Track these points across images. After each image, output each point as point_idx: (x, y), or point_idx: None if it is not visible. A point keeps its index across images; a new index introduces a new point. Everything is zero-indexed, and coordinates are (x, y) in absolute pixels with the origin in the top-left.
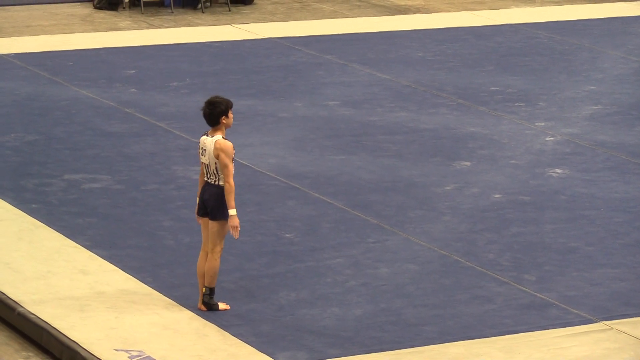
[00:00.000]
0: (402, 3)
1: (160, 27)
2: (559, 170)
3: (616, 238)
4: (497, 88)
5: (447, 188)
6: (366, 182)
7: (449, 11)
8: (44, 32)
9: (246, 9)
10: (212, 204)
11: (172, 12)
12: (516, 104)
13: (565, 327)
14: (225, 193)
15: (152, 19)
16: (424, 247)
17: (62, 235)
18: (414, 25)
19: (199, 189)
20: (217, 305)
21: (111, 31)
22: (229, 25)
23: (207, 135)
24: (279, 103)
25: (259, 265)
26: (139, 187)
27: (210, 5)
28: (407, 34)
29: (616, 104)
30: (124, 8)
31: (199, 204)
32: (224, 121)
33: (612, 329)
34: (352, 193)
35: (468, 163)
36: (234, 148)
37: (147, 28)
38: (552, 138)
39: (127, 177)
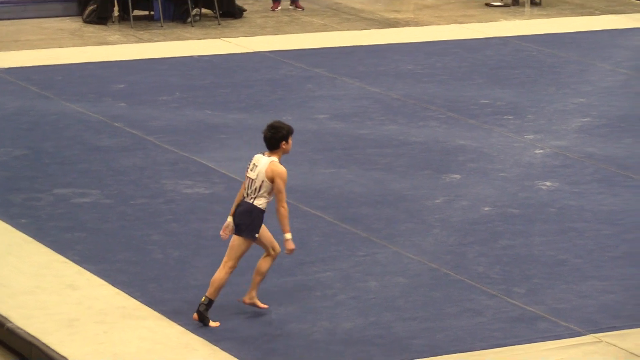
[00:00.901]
0: (392, 16)
1: (149, 41)
2: (548, 183)
3: (605, 250)
4: (487, 101)
5: (437, 201)
6: (356, 195)
7: (439, 24)
8: (33, 47)
9: (235, 22)
10: (243, 220)
11: (162, 26)
12: (505, 117)
13: (555, 339)
14: (280, 217)
15: (141, 33)
16: (413, 260)
17: (51, 250)
18: (403, 38)
19: (234, 206)
20: (208, 320)
21: (100, 45)
22: (219, 39)
23: (263, 155)
24: (268, 117)
25: (248, 279)
26: (128, 201)
27: (200, 19)
28: (396, 47)
29: (605, 116)
30: (113, 22)
31: (231, 222)
32: (283, 146)
33: (601, 341)
34: (342, 206)
35: (458, 176)
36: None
37: (137, 42)
38: (541, 151)
39: (116, 192)
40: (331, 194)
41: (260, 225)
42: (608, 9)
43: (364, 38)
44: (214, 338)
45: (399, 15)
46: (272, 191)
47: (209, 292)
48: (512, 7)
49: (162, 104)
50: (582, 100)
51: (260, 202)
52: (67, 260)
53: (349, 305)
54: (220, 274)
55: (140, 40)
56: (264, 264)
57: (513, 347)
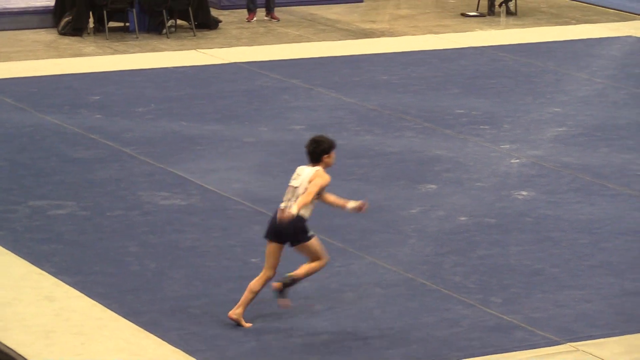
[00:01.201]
0: (367, 27)
1: (125, 53)
2: (524, 193)
3: (582, 260)
4: (462, 111)
5: (413, 211)
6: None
7: (414, 34)
8: (9, 59)
9: (211, 33)
10: (290, 231)
11: (137, 38)
12: (481, 127)
13: (532, 349)
14: (301, 197)
15: (116, 44)
16: (389, 271)
17: (28, 262)
18: (379, 48)
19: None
20: (286, 295)
21: (76, 57)
22: (194, 50)
23: (306, 166)
24: (244, 128)
25: (225, 290)
26: (105, 213)
27: (175, 30)
28: (372, 57)
29: (581, 125)
30: (88, 34)
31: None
32: (325, 159)
33: (578, 350)
34: (318, 217)
35: (434, 186)
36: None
37: (112, 54)
38: (517, 160)
39: (92, 203)
40: None
41: (305, 230)
42: (584, 19)
43: (340, 49)
44: (191, 349)
45: (374, 26)
46: (314, 200)
47: (299, 271)
48: (488, 17)
49: (137, 116)
50: (558, 109)
51: (304, 212)
52: (43, 272)
53: (325, 316)
54: (317, 263)
55: (116, 51)
56: (313, 266)
57: (490, 356)
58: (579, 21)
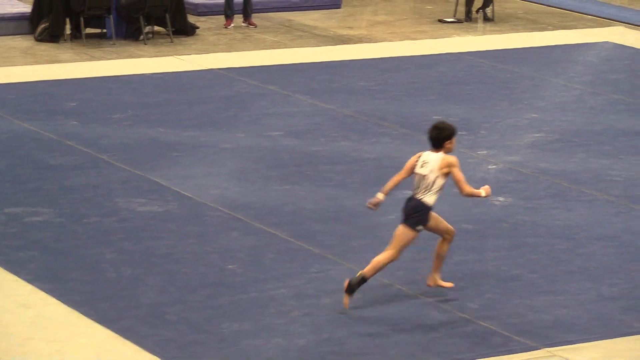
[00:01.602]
0: (345, 33)
1: (102, 59)
2: (501, 198)
3: (559, 265)
4: (439, 117)
5: (390, 217)
6: (309, 212)
7: (391, 40)
8: None
9: (188, 40)
10: (411, 213)
11: (114, 44)
12: (458, 133)
13: (509, 354)
14: (469, 194)
15: (93, 50)
16: None
17: (3, 269)
18: (356, 55)
19: (388, 186)
20: (353, 293)
21: (52, 63)
22: (172, 57)
23: (431, 152)
24: (222, 134)
25: (202, 296)
26: (81, 220)
27: (153, 36)
28: (349, 63)
29: (558, 131)
30: (65, 40)
31: (381, 200)
32: (447, 145)
33: (555, 355)
34: (296, 223)
35: (411, 192)
36: None
37: (89, 60)
38: (494, 166)
39: (68, 210)
40: (285, 211)
41: (426, 221)
42: (561, 25)
43: (317, 55)
44: (168, 356)
45: (351, 32)
46: (443, 187)
47: (366, 270)
48: (465, 23)
49: (114, 122)
50: (535, 115)
51: (430, 200)
52: (19, 279)
53: (302, 321)
54: (381, 256)
55: (93, 58)
56: (442, 247)
57: None
58: (555, 27)
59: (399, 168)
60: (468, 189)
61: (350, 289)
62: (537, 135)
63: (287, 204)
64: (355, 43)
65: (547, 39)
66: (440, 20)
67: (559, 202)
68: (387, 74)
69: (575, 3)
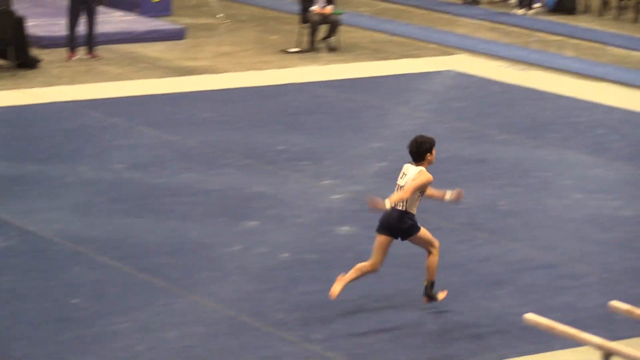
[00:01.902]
0: (188, 64)
1: None
2: (346, 228)
3: (404, 294)
4: (284, 147)
5: (235, 248)
6: (154, 244)
7: (235, 71)
8: None
9: (31, 72)
10: (403, 227)
11: None
12: (303, 163)
13: None
14: (398, 193)
15: None
16: (211, 309)
17: None
18: (200, 86)
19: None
20: (437, 296)
21: None
22: (14, 90)
23: (411, 165)
24: (65, 167)
25: (45, 332)
26: None
27: None
28: (194, 94)
29: (401, 160)
30: None
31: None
32: (428, 157)
33: None
34: (140, 256)
35: (255, 223)
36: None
37: None
38: (339, 196)
39: None
40: (129, 244)
41: (415, 225)
42: (405, 53)
43: (161, 86)
44: None
45: (195, 63)
46: (420, 196)
47: (429, 276)
48: (309, 53)
49: None
50: (380, 144)
51: (411, 209)
52: None
53: (147, 356)
54: (432, 258)
55: None
56: (432, 261)
57: None
58: (400, 56)
59: (243, 199)
60: (404, 194)
61: (431, 298)
62: (382, 164)
63: (131, 236)
64: (199, 74)
65: (391, 67)
66: (284, 51)
67: None
68: (231, 105)
69: (419, 32)
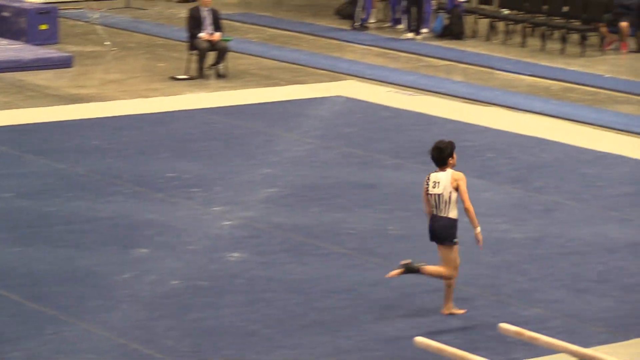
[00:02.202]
0: (76, 92)
1: None
2: (236, 254)
3: (294, 320)
4: (174, 174)
5: (125, 276)
6: (43, 273)
7: (124, 99)
8: None
9: None
10: (444, 234)
11: None
12: (192, 190)
13: None
14: (470, 214)
15: None
16: (103, 337)
17: None
18: (88, 113)
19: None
20: (405, 273)
21: None
22: None
23: (438, 172)
24: None
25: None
26: None
27: None
28: (81, 122)
29: (291, 186)
30: None
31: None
32: (450, 162)
33: None
34: (29, 285)
35: (145, 250)
36: None
37: None
38: (229, 222)
39: None
40: (18, 274)
41: (455, 233)
42: (294, 79)
43: (49, 114)
44: None
45: (83, 91)
46: (457, 199)
47: (428, 268)
48: (198, 80)
49: None
50: (269, 170)
51: (453, 214)
52: None
53: None
54: (442, 269)
55: None
56: (440, 270)
57: None
58: (289, 82)
59: (133, 226)
60: (471, 207)
61: (407, 269)
62: (272, 190)
63: (21, 265)
64: (87, 102)
65: (280, 94)
66: (172, 78)
67: (293, 256)
68: (120, 132)
69: (308, 58)
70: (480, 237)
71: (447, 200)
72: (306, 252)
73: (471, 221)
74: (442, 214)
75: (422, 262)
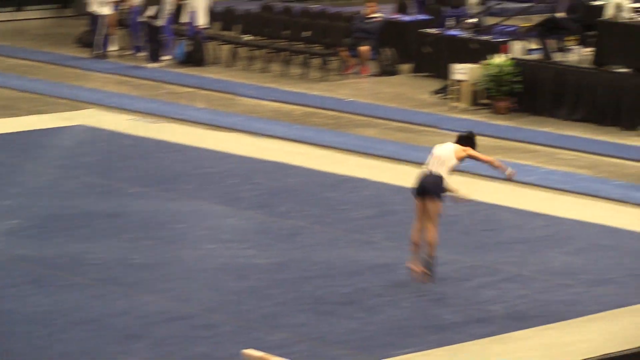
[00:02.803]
0: None
1: None
2: None
3: (39, 352)
4: None
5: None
6: None
7: None
8: None
9: None
10: (434, 188)
11: None
12: None
13: None
14: (495, 163)
15: None
16: None
17: None
18: None
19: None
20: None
21: None
22: None
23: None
24: None
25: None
26: None
27: None
28: None
29: (34, 217)
30: None
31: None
32: (464, 150)
33: None
34: None
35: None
36: None
37: None
38: None
39: None
40: None
41: (444, 190)
42: (34, 109)
43: None
44: None
45: None
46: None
47: (429, 251)
48: None
49: None
50: (9, 202)
51: (445, 175)
52: None
53: None
54: (431, 234)
55: None
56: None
57: None
58: (29, 112)
59: None
60: (490, 157)
61: (429, 274)
62: (13, 222)
63: None
64: None
65: (20, 124)
66: None
67: (37, 288)
68: None
69: (49, 87)
70: (512, 172)
71: (444, 162)
72: (50, 283)
73: (499, 168)
74: (435, 172)
75: (425, 256)
